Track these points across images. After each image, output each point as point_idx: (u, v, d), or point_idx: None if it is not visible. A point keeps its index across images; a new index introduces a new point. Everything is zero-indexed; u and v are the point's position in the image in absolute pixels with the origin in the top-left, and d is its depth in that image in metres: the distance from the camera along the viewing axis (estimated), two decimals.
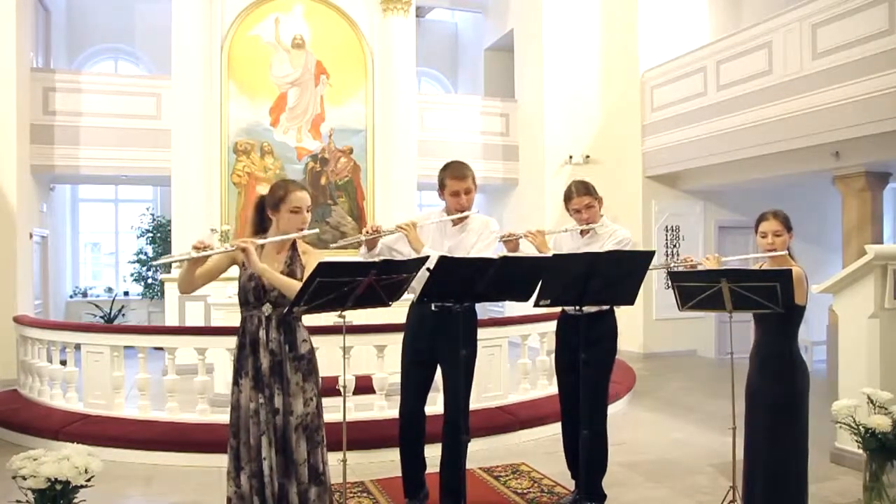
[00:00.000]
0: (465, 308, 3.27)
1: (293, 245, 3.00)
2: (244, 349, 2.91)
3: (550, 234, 3.82)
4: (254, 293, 2.90)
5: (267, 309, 2.90)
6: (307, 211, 2.95)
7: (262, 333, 2.88)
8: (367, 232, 3.46)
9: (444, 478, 3.47)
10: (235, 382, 2.92)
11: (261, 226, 3.04)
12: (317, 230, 3.05)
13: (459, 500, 3.33)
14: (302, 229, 2.94)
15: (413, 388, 3.65)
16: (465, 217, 3.58)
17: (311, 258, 2.97)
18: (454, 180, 3.52)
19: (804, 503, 3.26)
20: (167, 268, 9.39)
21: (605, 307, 3.63)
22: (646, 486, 4.38)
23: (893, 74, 6.47)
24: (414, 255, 3.42)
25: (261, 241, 2.87)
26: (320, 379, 3.03)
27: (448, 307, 3.28)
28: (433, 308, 3.45)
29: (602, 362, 3.64)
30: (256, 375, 2.87)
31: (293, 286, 2.80)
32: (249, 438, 2.84)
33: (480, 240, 3.55)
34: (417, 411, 3.66)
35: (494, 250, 3.57)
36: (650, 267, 3.30)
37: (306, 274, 2.87)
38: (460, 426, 3.39)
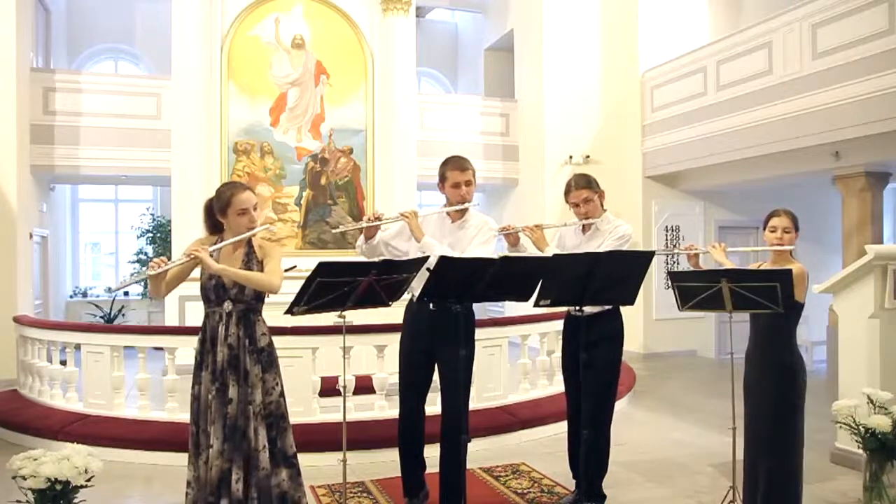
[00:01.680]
0: (464, 307, 3.27)
1: (248, 241, 3.13)
2: (205, 344, 3.07)
3: (549, 228, 3.82)
4: (214, 291, 3.06)
5: (227, 306, 3.04)
6: (254, 209, 3.09)
7: (221, 329, 3.03)
8: (370, 219, 3.47)
9: (445, 477, 3.47)
10: (196, 375, 3.08)
11: (214, 227, 3.18)
12: (266, 226, 3.25)
13: (460, 500, 3.33)
14: (251, 228, 3.07)
15: (412, 389, 3.65)
16: (466, 209, 3.60)
17: (267, 251, 3.14)
18: (456, 171, 3.56)
19: (800, 502, 3.26)
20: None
21: (608, 307, 3.62)
22: (646, 486, 4.37)
23: (893, 74, 6.47)
24: (411, 255, 3.43)
25: (212, 248, 3.02)
26: (281, 370, 3.18)
27: (447, 306, 3.28)
28: (431, 308, 3.45)
29: (604, 363, 3.60)
30: (213, 368, 3.02)
31: (253, 278, 2.99)
32: (207, 426, 3.00)
33: (479, 235, 3.56)
34: (417, 411, 3.66)
35: (493, 247, 3.58)
36: (657, 251, 3.32)
37: (266, 266, 3.07)
38: (460, 426, 3.39)
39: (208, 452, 2.97)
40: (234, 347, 3.02)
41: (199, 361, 3.08)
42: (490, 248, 3.54)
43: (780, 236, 3.31)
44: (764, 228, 3.41)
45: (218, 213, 3.10)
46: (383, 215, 3.54)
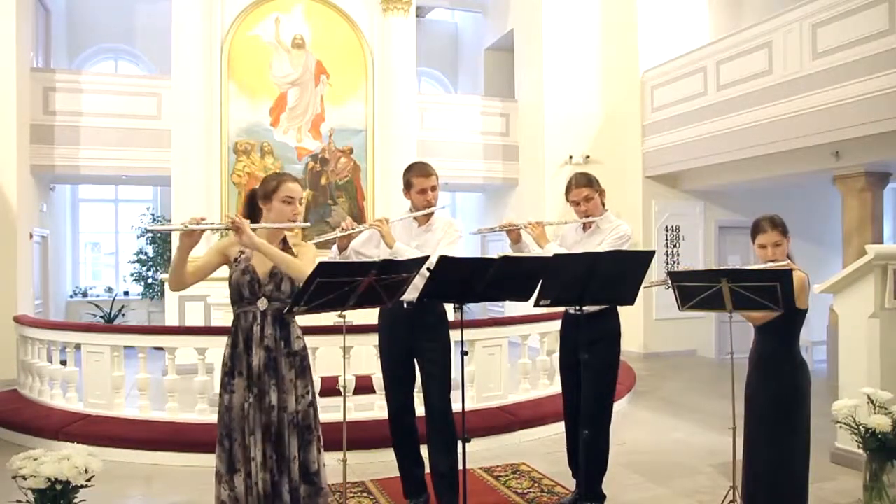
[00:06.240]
0: (433, 302, 3.31)
1: (284, 240, 2.98)
2: (237, 347, 2.85)
3: (550, 225, 3.83)
4: (248, 287, 2.85)
5: (262, 304, 2.84)
6: (300, 203, 2.95)
7: (256, 329, 2.83)
8: (343, 229, 3.43)
9: (439, 469, 3.50)
10: (227, 383, 2.85)
11: (251, 219, 2.95)
12: (309, 223, 3.07)
13: (456, 497, 3.33)
14: (294, 220, 2.92)
15: (398, 387, 3.68)
16: (432, 213, 3.66)
17: (303, 251, 2.96)
18: (420, 178, 3.61)
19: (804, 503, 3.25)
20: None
21: (606, 307, 3.63)
22: (646, 486, 4.37)
23: (893, 74, 6.47)
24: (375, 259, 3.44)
25: (253, 226, 2.82)
26: (314, 378, 3.04)
27: (420, 302, 3.32)
28: (405, 306, 3.48)
29: (603, 362, 3.61)
30: (249, 373, 2.82)
31: (289, 261, 2.81)
32: (244, 439, 2.78)
33: (445, 237, 3.62)
34: (406, 409, 3.69)
35: (459, 247, 3.64)
36: (644, 286, 3.28)
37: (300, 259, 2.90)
38: (447, 419, 3.46)
39: (250, 466, 2.75)
40: (272, 350, 2.82)
41: (231, 368, 2.84)
42: (456, 248, 3.59)
43: (771, 253, 3.21)
44: (752, 240, 3.30)
45: (261, 200, 2.92)
46: (355, 225, 3.47)
